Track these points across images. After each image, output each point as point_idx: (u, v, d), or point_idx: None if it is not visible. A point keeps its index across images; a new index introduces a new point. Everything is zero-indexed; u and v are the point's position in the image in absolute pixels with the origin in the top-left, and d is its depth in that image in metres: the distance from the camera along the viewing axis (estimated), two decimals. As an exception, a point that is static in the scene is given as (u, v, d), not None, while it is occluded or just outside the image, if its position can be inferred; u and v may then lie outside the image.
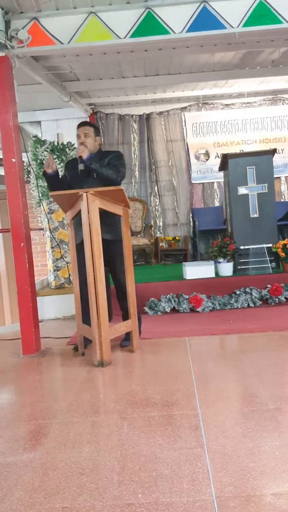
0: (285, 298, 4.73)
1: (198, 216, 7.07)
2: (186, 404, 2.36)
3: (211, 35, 3.58)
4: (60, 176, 3.64)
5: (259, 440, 1.91)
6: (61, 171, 4.43)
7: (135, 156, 7.24)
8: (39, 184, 5.15)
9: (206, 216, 7.08)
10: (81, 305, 3.41)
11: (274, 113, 7.23)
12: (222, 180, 6.34)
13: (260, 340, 3.55)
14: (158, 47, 4.50)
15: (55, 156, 5.24)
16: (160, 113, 7.23)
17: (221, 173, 5.93)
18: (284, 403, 2.27)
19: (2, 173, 3.65)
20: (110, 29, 3.55)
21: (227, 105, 7.25)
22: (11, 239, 3.61)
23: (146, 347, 3.52)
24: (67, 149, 5.34)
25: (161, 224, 7.33)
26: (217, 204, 7.32)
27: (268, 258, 5.10)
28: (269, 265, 5.10)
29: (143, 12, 3.52)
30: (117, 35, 3.55)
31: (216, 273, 5.05)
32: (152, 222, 7.23)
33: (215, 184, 7.33)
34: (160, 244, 7.07)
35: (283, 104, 7.24)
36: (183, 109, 7.23)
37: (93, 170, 3.36)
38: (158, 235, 7.22)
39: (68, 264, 5.06)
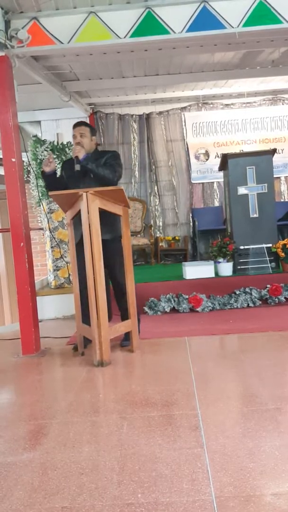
0: (285, 298, 4.73)
1: (198, 216, 7.07)
2: (186, 404, 2.36)
3: (211, 35, 3.58)
4: (57, 176, 3.65)
5: (259, 440, 1.91)
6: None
7: (135, 156, 7.24)
8: (39, 184, 5.15)
9: (206, 216, 7.07)
10: (81, 307, 3.41)
11: (274, 113, 7.23)
12: (222, 180, 6.34)
13: (260, 340, 3.55)
14: (158, 47, 4.49)
15: (55, 156, 5.24)
16: (160, 113, 7.23)
17: (221, 173, 5.93)
18: (284, 403, 2.27)
19: (2, 173, 3.65)
20: (110, 29, 3.54)
21: (227, 105, 7.25)
22: (11, 239, 3.61)
23: (146, 347, 3.52)
24: (66, 149, 5.34)
25: (161, 224, 7.33)
26: (217, 204, 7.32)
27: (268, 258, 5.10)
28: (269, 265, 5.10)
29: (143, 12, 3.52)
30: (117, 35, 3.55)
31: (216, 273, 5.05)
32: (152, 222, 7.23)
33: (215, 184, 7.33)
34: (160, 244, 7.07)
35: (283, 104, 7.24)
36: (183, 109, 7.23)
37: (89, 170, 3.37)
38: (158, 235, 7.21)
39: (68, 264, 5.06)
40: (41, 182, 5.10)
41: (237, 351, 3.40)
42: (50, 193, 3.25)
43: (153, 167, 7.30)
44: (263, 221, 5.18)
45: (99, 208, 3.10)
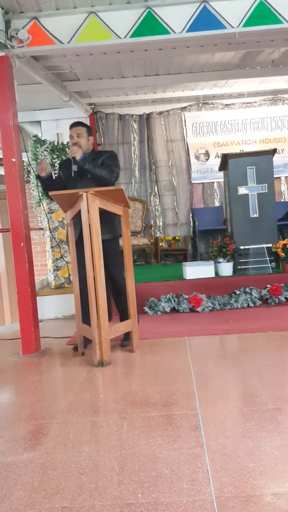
0: (285, 298, 4.73)
1: (198, 216, 7.06)
2: (186, 404, 2.36)
3: (211, 35, 3.58)
4: (54, 178, 3.64)
5: (259, 440, 1.91)
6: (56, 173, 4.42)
7: (135, 156, 7.23)
8: (39, 184, 5.14)
9: (206, 216, 7.07)
10: (81, 306, 3.41)
11: (274, 113, 7.23)
12: (222, 180, 6.34)
13: (260, 340, 3.55)
14: (158, 47, 4.49)
15: (55, 156, 5.24)
16: (160, 113, 7.23)
17: (221, 173, 5.93)
18: (284, 403, 2.27)
19: (2, 173, 3.65)
20: (110, 29, 3.54)
21: (227, 105, 7.24)
22: (11, 239, 3.61)
23: (146, 347, 3.52)
24: (67, 149, 5.34)
25: (161, 224, 7.32)
26: (217, 204, 7.31)
27: (268, 258, 5.10)
28: (269, 265, 5.10)
29: (143, 12, 3.52)
30: (117, 35, 3.55)
31: (216, 273, 5.04)
32: (152, 222, 7.23)
33: (215, 184, 7.32)
34: (160, 244, 7.07)
35: (283, 104, 7.24)
36: (183, 109, 7.23)
37: (86, 171, 3.37)
38: (158, 235, 7.21)
39: (68, 264, 5.06)
40: (41, 183, 5.10)
41: (237, 351, 3.40)
42: (51, 193, 3.25)
43: (153, 167, 7.30)
44: (263, 221, 5.18)
45: (99, 208, 3.10)
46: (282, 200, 7.24)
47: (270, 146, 6.95)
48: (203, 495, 1.56)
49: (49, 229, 5.20)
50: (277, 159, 6.20)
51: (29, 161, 5.02)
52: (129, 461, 1.83)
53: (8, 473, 1.81)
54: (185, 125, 7.24)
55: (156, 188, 7.31)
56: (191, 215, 7.27)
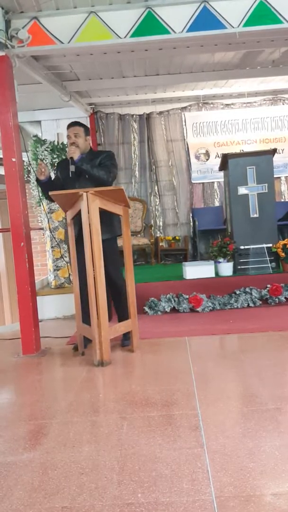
0: (285, 298, 4.73)
1: (198, 216, 7.06)
2: (186, 404, 2.36)
3: (211, 35, 3.58)
4: (52, 179, 3.64)
5: (259, 440, 1.91)
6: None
7: (135, 156, 7.23)
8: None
9: (206, 216, 7.07)
10: (81, 305, 3.41)
11: (274, 113, 7.23)
12: (222, 180, 6.34)
13: (260, 340, 3.55)
14: (158, 47, 4.49)
15: (55, 156, 5.24)
16: (160, 112, 7.23)
17: (221, 173, 5.92)
18: (284, 403, 2.27)
19: (2, 173, 3.65)
20: (110, 28, 3.54)
21: (227, 105, 7.24)
22: (11, 238, 3.61)
23: (146, 347, 3.52)
24: (67, 149, 5.33)
25: (161, 224, 7.32)
26: (217, 204, 7.31)
27: (268, 258, 5.10)
28: (269, 265, 5.10)
29: (144, 12, 3.52)
30: (118, 35, 3.55)
31: (216, 273, 5.04)
32: (152, 222, 7.23)
33: (215, 184, 7.32)
34: (160, 244, 7.07)
35: (283, 104, 7.24)
36: (183, 109, 7.23)
37: (84, 171, 3.36)
38: (158, 235, 7.21)
39: (68, 264, 5.06)
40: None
41: (237, 351, 3.40)
42: (51, 193, 3.25)
43: (154, 167, 7.30)
44: (263, 221, 5.18)
45: (100, 208, 3.10)
46: (282, 200, 7.24)
47: (270, 146, 6.95)
48: (203, 495, 1.56)
49: (49, 229, 5.20)
50: (277, 159, 6.20)
51: (29, 161, 5.02)
52: (129, 461, 1.83)
53: (8, 473, 1.82)
54: (185, 125, 7.24)
55: (156, 188, 7.31)
56: (191, 215, 7.27)
